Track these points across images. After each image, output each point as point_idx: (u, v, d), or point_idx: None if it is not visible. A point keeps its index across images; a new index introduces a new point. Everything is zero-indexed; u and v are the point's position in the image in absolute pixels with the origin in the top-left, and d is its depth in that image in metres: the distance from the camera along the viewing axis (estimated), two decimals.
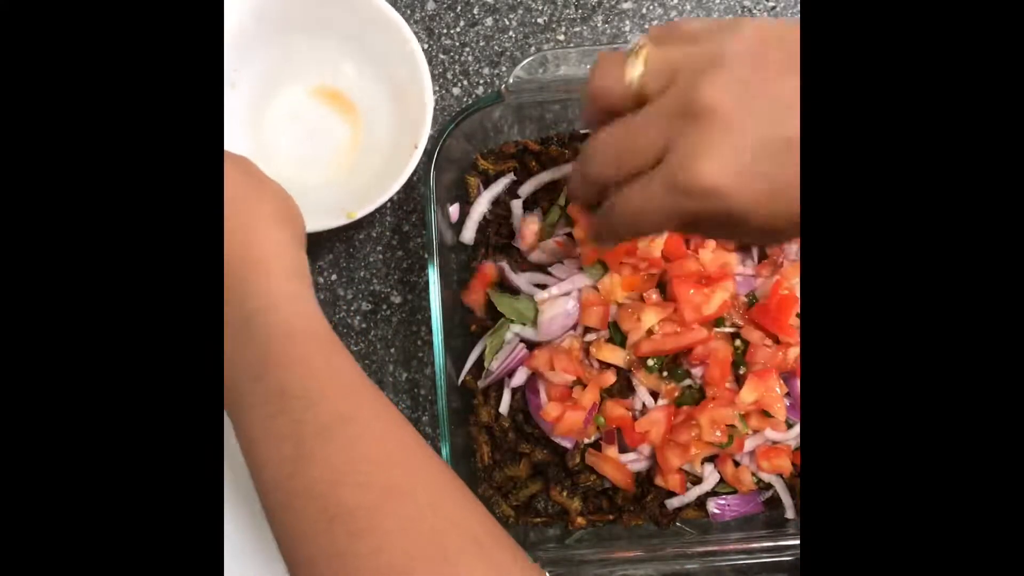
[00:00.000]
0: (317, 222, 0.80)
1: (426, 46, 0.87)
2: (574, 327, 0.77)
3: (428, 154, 0.77)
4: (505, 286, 0.80)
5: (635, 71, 0.53)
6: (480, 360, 0.81)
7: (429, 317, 0.77)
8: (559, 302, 0.77)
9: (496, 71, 0.87)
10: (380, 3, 0.79)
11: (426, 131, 0.78)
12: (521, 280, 0.80)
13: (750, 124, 0.49)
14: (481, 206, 0.82)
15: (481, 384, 0.80)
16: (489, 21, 0.87)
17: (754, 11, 0.86)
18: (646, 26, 0.86)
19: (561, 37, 0.87)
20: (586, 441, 0.77)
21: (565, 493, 0.79)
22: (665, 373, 0.76)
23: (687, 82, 0.50)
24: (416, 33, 0.87)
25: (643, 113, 0.52)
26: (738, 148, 0.49)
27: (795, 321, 0.74)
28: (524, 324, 0.78)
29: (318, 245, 0.87)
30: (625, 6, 0.87)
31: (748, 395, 0.74)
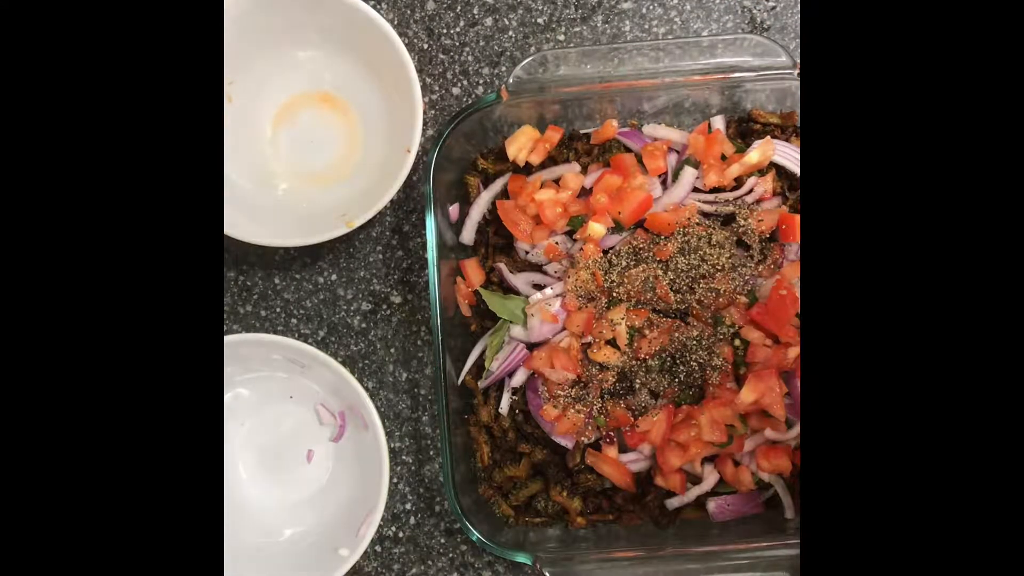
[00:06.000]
0: (318, 233, 0.80)
1: (426, 46, 0.87)
2: (563, 329, 0.78)
3: (428, 154, 0.77)
4: (504, 285, 0.80)
5: None
6: (480, 360, 0.81)
7: (429, 317, 0.77)
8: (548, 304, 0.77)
9: (496, 71, 0.87)
10: (365, 7, 0.79)
11: (417, 134, 0.78)
12: (519, 280, 0.80)
13: None
14: (481, 206, 0.82)
15: (481, 384, 0.80)
16: (489, 21, 0.87)
17: (754, 11, 0.86)
18: (646, 26, 0.86)
19: (561, 37, 0.87)
20: (586, 441, 0.77)
21: (565, 493, 0.79)
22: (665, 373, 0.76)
23: None
24: (416, 33, 0.87)
25: None
26: None
27: (795, 321, 0.74)
28: (516, 323, 0.78)
29: (318, 246, 0.87)
30: (625, 6, 0.86)
31: (748, 395, 0.73)
